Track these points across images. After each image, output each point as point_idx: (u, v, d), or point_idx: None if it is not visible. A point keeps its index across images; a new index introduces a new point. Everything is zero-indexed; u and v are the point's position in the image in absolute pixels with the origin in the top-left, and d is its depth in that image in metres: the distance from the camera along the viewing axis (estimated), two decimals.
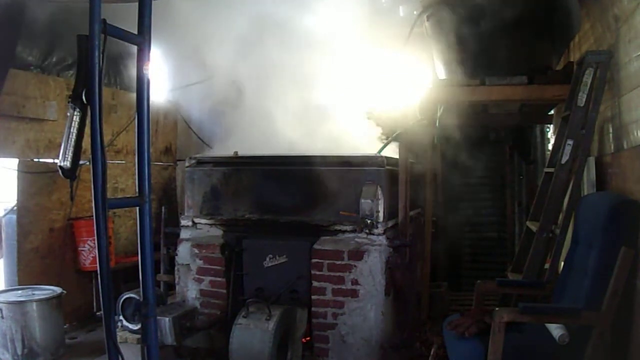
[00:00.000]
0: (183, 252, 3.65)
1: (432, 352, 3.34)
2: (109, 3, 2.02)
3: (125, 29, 1.73)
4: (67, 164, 1.90)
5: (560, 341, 2.24)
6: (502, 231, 5.58)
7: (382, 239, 3.28)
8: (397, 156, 3.71)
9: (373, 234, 3.28)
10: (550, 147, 4.93)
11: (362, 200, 3.29)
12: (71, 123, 1.85)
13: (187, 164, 3.90)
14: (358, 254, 3.22)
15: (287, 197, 3.57)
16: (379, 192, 3.29)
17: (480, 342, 2.36)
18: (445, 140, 5.30)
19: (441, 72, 4.28)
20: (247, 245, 3.57)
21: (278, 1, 4.25)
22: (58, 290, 3.90)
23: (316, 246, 3.31)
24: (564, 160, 3.07)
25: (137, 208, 1.79)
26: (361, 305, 3.22)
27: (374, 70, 4.62)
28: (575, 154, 3.05)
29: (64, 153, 1.90)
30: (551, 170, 3.27)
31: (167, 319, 3.21)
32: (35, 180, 4.39)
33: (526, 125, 5.58)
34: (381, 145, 4.14)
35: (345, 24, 4.34)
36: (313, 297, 3.29)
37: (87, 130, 1.69)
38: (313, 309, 3.30)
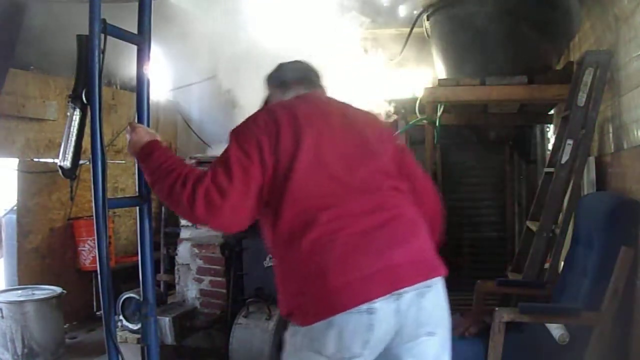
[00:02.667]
0: (183, 251, 3.65)
1: None
2: (109, 3, 2.02)
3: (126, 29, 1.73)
4: (67, 163, 1.90)
5: (560, 341, 2.24)
6: (502, 231, 5.57)
7: None
8: None
9: None
10: (550, 147, 4.93)
11: None
12: (71, 123, 1.85)
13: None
14: None
15: None
16: None
17: (480, 342, 2.36)
18: (445, 140, 5.30)
19: (441, 72, 4.28)
20: (247, 245, 3.57)
21: (278, 2, 4.26)
22: (58, 290, 3.91)
23: None
24: (564, 160, 3.07)
25: (137, 208, 1.79)
26: None
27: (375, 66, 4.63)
28: (575, 154, 3.05)
29: (64, 153, 1.90)
30: (551, 170, 3.27)
31: (167, 318, 3.21)
32: (35, 180, 4.39)
33: (526, 125, 5.58)
34: None
35: (346, 23, 4.34)
36: None
37: (87, 130, 1.69)
38: None
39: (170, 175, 1.55)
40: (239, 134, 1.60)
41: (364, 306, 1.44)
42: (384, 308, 1.45)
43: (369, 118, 1.83)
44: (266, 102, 1.93)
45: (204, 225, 1.67)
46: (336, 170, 1.58)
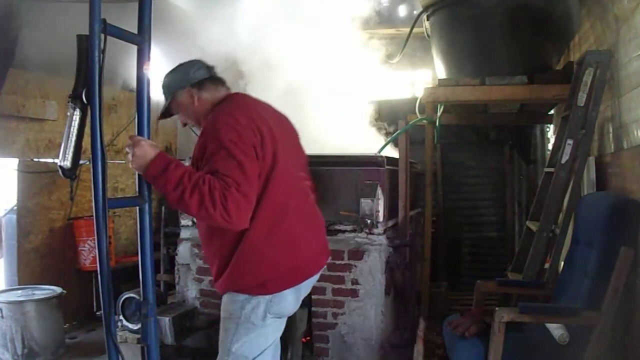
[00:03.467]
0: (183, 251, 3.65)
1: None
2: (109, 3, 2.02)
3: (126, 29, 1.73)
4: (67, 163, 1.90)
5: (560, 341, 2.24)
6: (502, 231, 5.58)
7: (382, 239, 3.28)
8: (397, 156, 3.71)
9: (373, 234, 3.28)
10: (550, 147, 4.93)
11: (362, 200, 3.29)
12: (71, 123, 1.85)
13: (187, 164, 3.89)
14: (358, 254, 3.22)
15: None
16: (379, 191, 3.29)
17: (480, 342, 2.36)
18: (445, 140, 5.30)
19: (441, 72, 4.28)
20: None
21: (278, 2, 4.25)
22: (58, 290, 3.90)
23: None
24: (564, 160, 3.07)
25: (137, 208, 1.79)
26: (361, 305, 3.22)
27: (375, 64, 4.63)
28: (575, 154, 3.05)
29: (64, 153, 1.90)
30: (551, 170, 3.27)
31: (167, 318, 3.20)
32: (35, 180, 4.39)
33: (526, 125, 5.59)
34: (382, 144, 4.13)
35: (347, 23, 4.34)
36: (313, 297, 3.29)
37: (87, 130, 1.69)
38: (313, 308, 3.30)
39: (193, 195, 1.66)
40: (235, 138, 1.76)
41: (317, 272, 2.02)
42: (320, 272, 2.06)
43: (284, 116, 2.11)
44: (176, 103, 2.02)
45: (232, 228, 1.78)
46: (291, 167, 1.93)
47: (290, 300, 1.90)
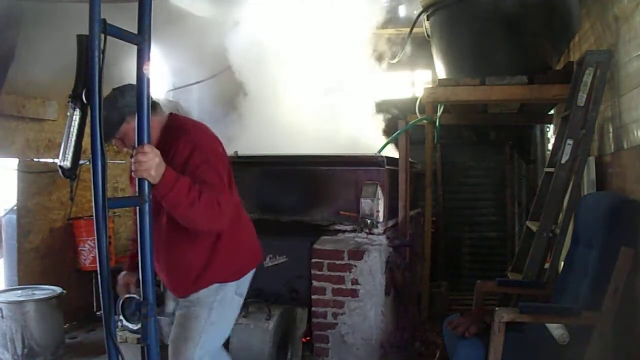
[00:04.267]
0: None
1: (437, 355, 3.35)
2: (109, 3, 2.02)
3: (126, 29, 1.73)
4: (67, 163, 1.89)
5: (560, 341, 2.24)
6: (502, 231, 5.58)
7: (382, 239, 3.28)
8: (397, 156, 3.71)
9: (373, 234, 3.28)
10: (550, 147, 4.93)
11: (362, 200, 3.29)
12: (71, 123, 1.84)
13: None
14: (358, 254, 3.22)
15: (287, 197, 3.57)
16: (379, 191, 3.29)
17: (480, 342, 2.36)
18: (445, 140, 5.31)
19: (441, 72, 4.29)
20: None
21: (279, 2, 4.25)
22: (58, 290, 3.90)
23: (316, 246, 3.31)
24: (564, 160, 3.07)
25: (137, 208, 1.79)
26: (361, 305, 3.22)
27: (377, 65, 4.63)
28: (575, 154, 3.06)
29: (64, 153, 1.89)
30: (551, 170, 3.27)
31: (167, 319, 3.20)
32: (35, 180, 4.39)
33: (526, 125, 5.59)
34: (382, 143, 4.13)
35: (347, 22, 4.33)
36: (313, 296, 3.29)
37: (87, 130, 1.69)
38: (313, 308, 3.30)
39: (202, 199, 1.91)
40: (216, 159, 2.10)
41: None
42: None
43: None
44: (127, 126, 2.05)
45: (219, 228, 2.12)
46: (232, 180, 2.23)
47: (249, 280, 2.34)
